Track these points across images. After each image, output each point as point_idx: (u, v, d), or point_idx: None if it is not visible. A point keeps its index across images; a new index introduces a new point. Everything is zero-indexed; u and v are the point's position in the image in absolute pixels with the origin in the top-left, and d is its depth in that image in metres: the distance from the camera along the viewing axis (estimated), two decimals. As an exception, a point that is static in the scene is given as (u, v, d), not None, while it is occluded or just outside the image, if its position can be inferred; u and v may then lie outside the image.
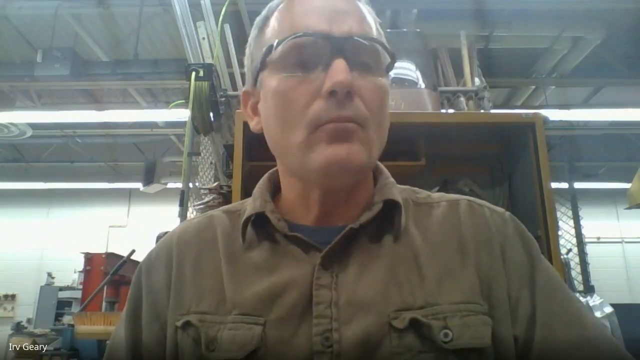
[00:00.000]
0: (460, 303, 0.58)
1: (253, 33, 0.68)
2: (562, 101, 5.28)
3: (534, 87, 5.05)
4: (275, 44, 0.60)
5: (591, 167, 6.92)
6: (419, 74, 2.22)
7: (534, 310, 0.60)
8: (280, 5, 0.65)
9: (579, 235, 3.84)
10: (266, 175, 0.72)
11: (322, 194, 0.63)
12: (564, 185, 4.35)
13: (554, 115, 5.13)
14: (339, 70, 0.56)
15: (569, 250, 3.97)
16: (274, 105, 0.61)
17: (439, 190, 2.03)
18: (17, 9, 3.53)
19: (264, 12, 0.68)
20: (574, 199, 4.27)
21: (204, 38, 2.57)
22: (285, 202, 0.68)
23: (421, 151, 1.84)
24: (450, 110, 2.27)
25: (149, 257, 0.70)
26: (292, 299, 0.58)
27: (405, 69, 2.21)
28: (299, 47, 0.59)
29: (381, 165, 0.70)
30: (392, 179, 0.69)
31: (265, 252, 0.63)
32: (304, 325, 0.57)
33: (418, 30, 2.66)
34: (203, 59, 2.45)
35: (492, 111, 2.42)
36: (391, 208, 0.64)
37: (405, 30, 2.96)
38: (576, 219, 3.89)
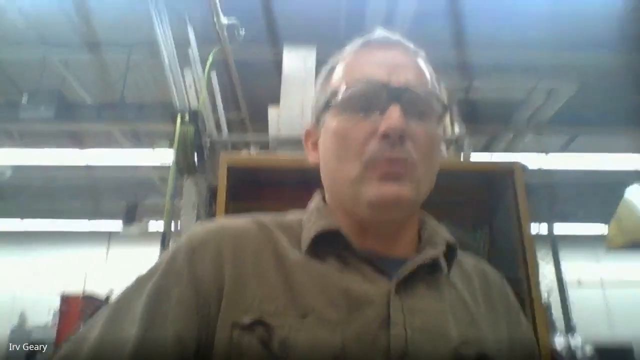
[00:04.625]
0: (498, 348, 0.66)
1: (319, 80, 0.76)
2: (540, 148, 5.42)
3: (513, 134, 5.19)
4: (340, 89, 0.68)
5: (570, 210, 7.04)
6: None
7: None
8: (347, 56, 0.73)
9: (559, 278, 3.88)
10: (318, 197, 0.76)
11: (374, 227, 0.68)
12: (544, 226, 4.42)
13: (533, 161, 5.26)
14: (394, 116, 0.63)
15: (549, 294, 3.99)
16: (333, 142, 0.68)
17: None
18: (5, 53, 3.57)
19: (331, 62, 0.76)
20: (554, 242, 4.32)
21: (190, 84, 2.62)
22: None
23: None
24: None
25: (191, 242, 0.66)
26: (371, 314, 0.60)
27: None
28: (360, 93, 0.67)
29: (423, 211, 0.76)
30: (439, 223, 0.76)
31: (334, 266, 0.65)
32: (380, 343, 0.59)
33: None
34: (189, 104, 2.50)
35: (473, 157, 2.48)
36: (449, 250, 0.71)
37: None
38: (556, 262, 3.93)
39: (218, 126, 2.67)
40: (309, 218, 0.71)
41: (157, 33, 2.94)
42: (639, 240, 3.58)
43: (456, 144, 2.40)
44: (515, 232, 1.76)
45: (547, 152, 5.37)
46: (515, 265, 1.71)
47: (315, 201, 0.75)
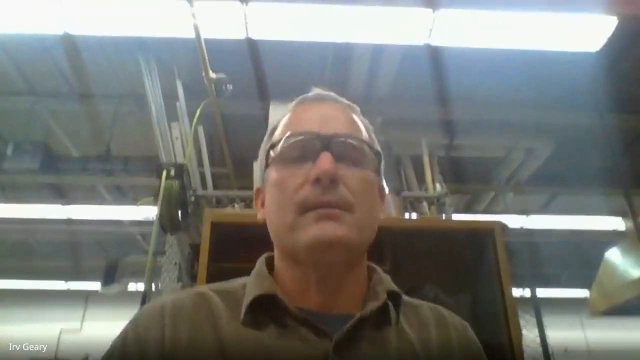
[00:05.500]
0: None
1: (264, 142, 0.79)
2: (521, 208, 5.49)
3: (494, 193, 5.27)
4: (278, 143, 0.71)
5: (552, 273, 7.04)
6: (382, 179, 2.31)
7: None
8: (285, 117, 0.77)
9: (544, 345, 3.82)
10: (262, 258, 0.77)
11: (317, 276, 0.68)
12: (527, 291, 4.38)
13: (514, 221, 5.32)
14: (324, 161, 0.65)
15: (534, 362, 3.91)
16: (272, 194, 0.70)
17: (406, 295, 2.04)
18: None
19: (274, 123, 0.79)
20: (538, 307, 4.28)
21: (177, 138, 2.65)
22: (282, 286, 0.70)
23: (386, 256, 1.85)
24: (414, 215, 2.35)
25: (135, 328, 0.67)
26: None
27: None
28: (294, 145, 0.70)
29: (374, 265, 0.77)
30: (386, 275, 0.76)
31: (273, 333, 0.65)
32: None
33: (382, 137, 2.82)
34: (175, 158, 2.51)
35: (454, 216, 2.51)
36: (393, 299, 0.71)
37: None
38: (541, 329, 3.88)
39: (203, 181, 2.67)
40: (251, 282, 0.72)
41: (146, 86, 3.00)
42: (620, 304, 3.58)
43: (437, 202, 2.43)
44: (498, 296, 1.75)
45: (527, 212, 5.44)
46: (498, 332, 1.69)
47: (257, 264, 0.76)
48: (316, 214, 0.64)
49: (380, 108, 3.53)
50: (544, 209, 5.70)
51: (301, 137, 0.70)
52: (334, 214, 0.64)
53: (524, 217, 5.47)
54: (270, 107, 2.61)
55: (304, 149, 0.69)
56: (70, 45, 3.09)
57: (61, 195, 5.31)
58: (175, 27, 2.59)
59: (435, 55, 3.04)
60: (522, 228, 5.45)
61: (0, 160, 3.66)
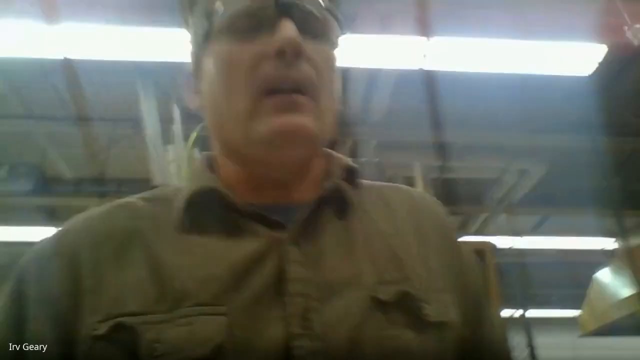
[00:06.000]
0: (430, 281, 0.57)
1: (196, 12, 0.62)
2: (513, 229, 5.53)
3: (486, 215, 5.30)
4: (218, 11, 0.56)
5: (543, 294, 7.04)
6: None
7: (470, 308, 0.61)
8: None
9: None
10: (200, 156, 0.65)
11: (271, 174, 0.58)
12: (518, 312, 4.37)
13: (506, 242, 5.34)
14: (287, 29, 0.53)
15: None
16: (216, 75, 0.56)
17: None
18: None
19: None
20: (528, 327, 4.26)
21: (172, 160, 2.66)
22: (227, 183, 0.59)
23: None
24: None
25: (37, 258, 0.55)
26: (261, 279, 0.51)
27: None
28: (242, 13, 0.55)
29: (328, 149, 0.65)
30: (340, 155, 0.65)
31: (217, 233, 0.54)
32: (276, 308, 0.49)
33: (377, 159, 2.85)
34: (169, 181, 2.52)
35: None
36: (351, 176, 0.61)
37: (364, 159, 3.16)
38: (531, 347, 3.86)
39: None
40: (187, 184, 0.60)
41: (143, 109, 3.02)
42: (610, 324, 3.59)
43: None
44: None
45: (519, 233, 5.47)
46: None
47: (196, 162, 0.64)
48: (276, 102, 0.53)
49: (374, 131, 3.58)
50: (536, 230, 5.73)
51: (253, 2, 0.55)
52: (297, 102, 0.53)
53: (516, 238, 5.51)
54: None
55: (257, 18, 0.55)
56: (69, 69, 3.12)
57: (54, 217, 5.28)
58: (172, 51, 2.63)
59: (429, 79, 3.09)
60: (513, 248, 5.48)
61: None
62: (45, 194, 3.86)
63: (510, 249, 5.34)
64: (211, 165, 0.63)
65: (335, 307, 0.50)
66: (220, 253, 0.52)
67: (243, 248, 0.52)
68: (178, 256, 0.52)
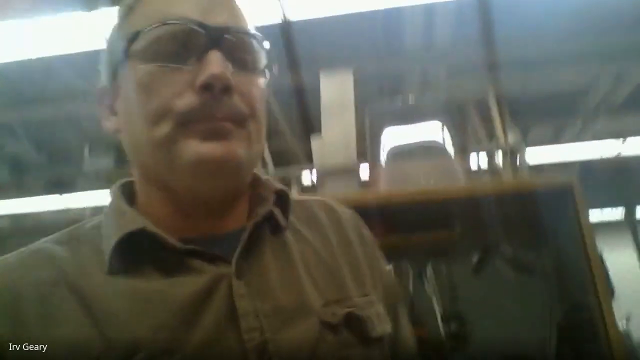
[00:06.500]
0: (365, 295, 0.61)
1: (115, 24, 0.60)
2: (615, 134, 5.04)
3: (582, 123, 4.86)
4: (142, 31, 0.53)
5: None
6: (447, 134, 2.16)
7: (391, 308, 0.66)
8: None
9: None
10: (115, 187, 0.61)
11: (198, 203, 0.55)
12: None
13: (607, 148, 4.93)
14: (215, 63, 0.50)
15: (629, 320, 3.60)
16: (137, 99, 0.53)
17: (480, 257, 1.95)
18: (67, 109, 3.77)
19: (128, 1, 0.59)
20: (635, 228, 3.91)
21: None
22: (154, 217, 0.55)
23: (455, 220, 1.78)
24: (483, 173, 2.21)
25: None
26: (212, 317, 0.49)
27: (431, 133, 2.15)
28: (169, 36, 0.52)
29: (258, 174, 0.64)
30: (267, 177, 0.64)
31: (155, 273, 0.52)
32: (234, 346, 0.49)
33: (446, 88, 2.65)
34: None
35: (539, 149, 2.31)
36: (281, 199, 0.61)
37: (431, 93, 2.97)
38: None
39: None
40: (107, 222, 0.56)
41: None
42: None
43: (510, 154, 2.26)
44: (581, 254, 1.62)
45: (623, 137, 5.00)
46: (583, 290, 1.58)
47: (111, 196, 0.60)
48: (203, 129, 0.50)
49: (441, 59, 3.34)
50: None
51: (179, 27, 0.52)
52: (224, 130, 0.51)
53: (619, 143, 5.05)
54: (321, 78, 2.52)
55: (184, 44, 0.52)
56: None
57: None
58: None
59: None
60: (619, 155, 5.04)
61: (80, 161, 3.88)
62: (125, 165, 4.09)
63: (611, 158, 4.91)
64: (130, 193, 0.60)
65: (291, 336, 0.51)
66: (164, 295, 0.50)
67: (187, 287, 0.50)
68: (117, 302, 0.49)
